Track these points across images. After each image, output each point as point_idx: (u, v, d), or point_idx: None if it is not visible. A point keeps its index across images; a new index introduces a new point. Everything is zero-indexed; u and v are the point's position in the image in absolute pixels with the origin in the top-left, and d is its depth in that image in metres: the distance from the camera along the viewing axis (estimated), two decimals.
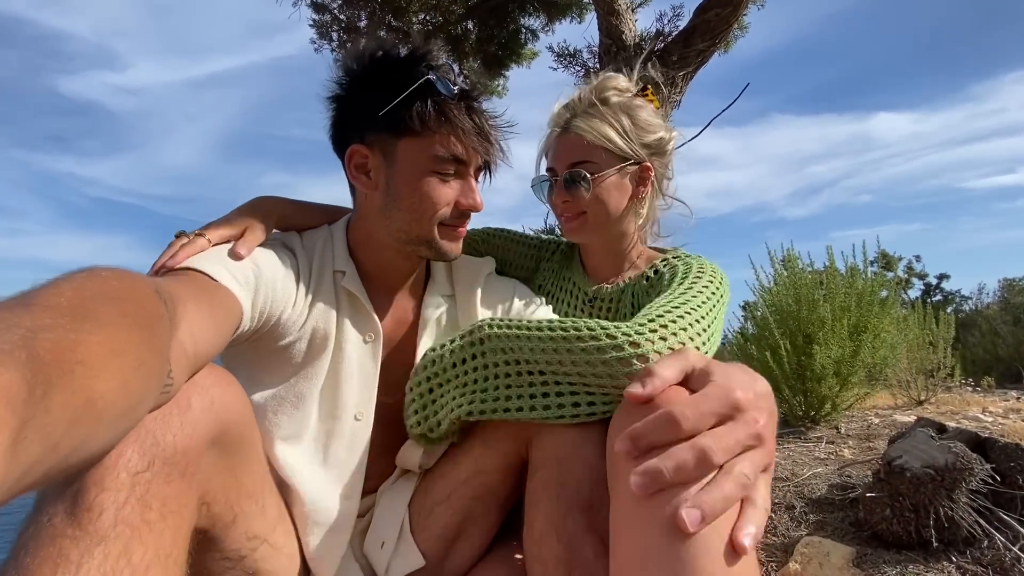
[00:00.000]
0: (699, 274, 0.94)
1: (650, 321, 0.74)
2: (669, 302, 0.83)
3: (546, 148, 1.13)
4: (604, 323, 0.74)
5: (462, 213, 0.93)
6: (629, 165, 1.07)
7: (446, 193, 0.90)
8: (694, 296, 0.85)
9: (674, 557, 0.50)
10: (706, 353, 0.77)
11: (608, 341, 0.71)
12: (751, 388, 0.56)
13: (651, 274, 1.07)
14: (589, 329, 0.73)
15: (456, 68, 0.90)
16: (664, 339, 0.72)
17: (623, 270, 1.13)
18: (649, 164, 1.08)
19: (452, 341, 0.87)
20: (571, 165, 1.06)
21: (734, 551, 0.49)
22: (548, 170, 1.12)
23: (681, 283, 0.91)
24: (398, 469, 1.01)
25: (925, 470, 1.42)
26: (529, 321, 0.81)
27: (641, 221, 1.13)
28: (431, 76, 0.86)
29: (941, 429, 1.72)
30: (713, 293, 0.89)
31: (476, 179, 0.95)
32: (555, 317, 0.81)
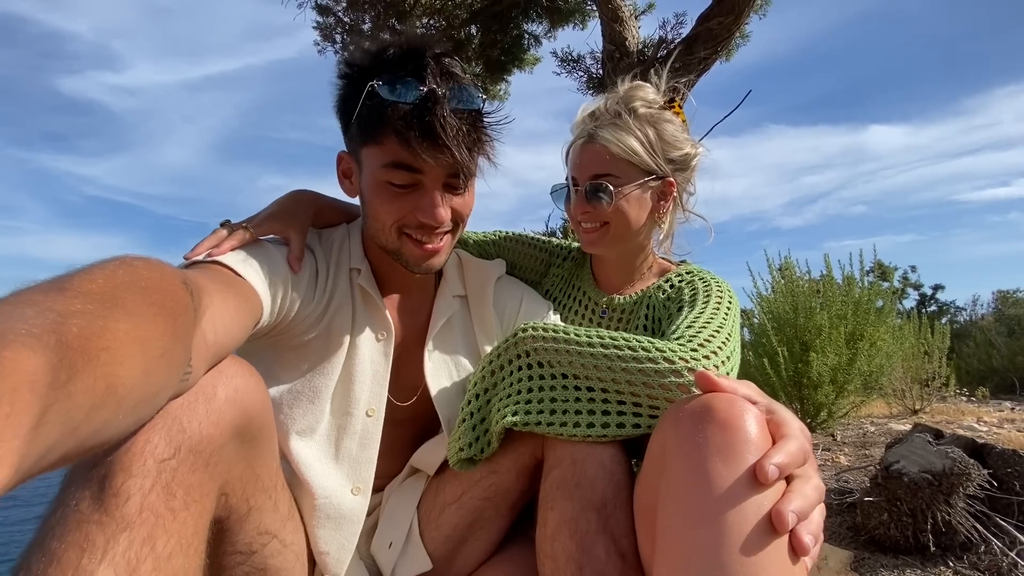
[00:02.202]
0: (719, 293, 0.98)
1: (701, 346, 0.80)
2: (703, 322, 0.87)
3: (569, 157, 1.10)
4: (655, 342, 0.78)
5: (422, 225, 0.86)
6: (652, 180, 1.05)
7: (399, 204, 0.85)
8: (723, 317, 0.90)
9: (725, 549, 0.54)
10: (733, 367, 0.84)
11: (667, 365, 0.75)
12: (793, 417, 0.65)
13: (668, 288, 1.07)
14: (644, 349, 0.77)
15: (446, 66, 0.83)
16: (717, 367, 0.78)
17: (634, 280, 1.13)
18: (672, 179, 1.06)
19: (495, 351, 0.88)
20: (594, 176, 1.04)
21: (773, 528, 0.53)
22: (570, 179, 1.10)
23: (706, 302, 0.95)
24: (406, 469, 1.02)
25: (923, 475, 1.44)
26: (576, 333, 0.82)
27: (661, 236, 1.13)
28: (376, 81, 0.80)
29: (938, 435, 1.73)
30: (728, 310, 0.94)
31: (458, 188, 0.88)
32: (603, 332, 0.83)
